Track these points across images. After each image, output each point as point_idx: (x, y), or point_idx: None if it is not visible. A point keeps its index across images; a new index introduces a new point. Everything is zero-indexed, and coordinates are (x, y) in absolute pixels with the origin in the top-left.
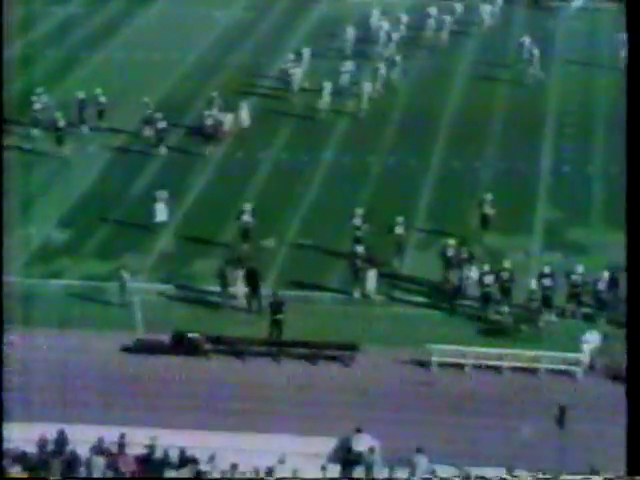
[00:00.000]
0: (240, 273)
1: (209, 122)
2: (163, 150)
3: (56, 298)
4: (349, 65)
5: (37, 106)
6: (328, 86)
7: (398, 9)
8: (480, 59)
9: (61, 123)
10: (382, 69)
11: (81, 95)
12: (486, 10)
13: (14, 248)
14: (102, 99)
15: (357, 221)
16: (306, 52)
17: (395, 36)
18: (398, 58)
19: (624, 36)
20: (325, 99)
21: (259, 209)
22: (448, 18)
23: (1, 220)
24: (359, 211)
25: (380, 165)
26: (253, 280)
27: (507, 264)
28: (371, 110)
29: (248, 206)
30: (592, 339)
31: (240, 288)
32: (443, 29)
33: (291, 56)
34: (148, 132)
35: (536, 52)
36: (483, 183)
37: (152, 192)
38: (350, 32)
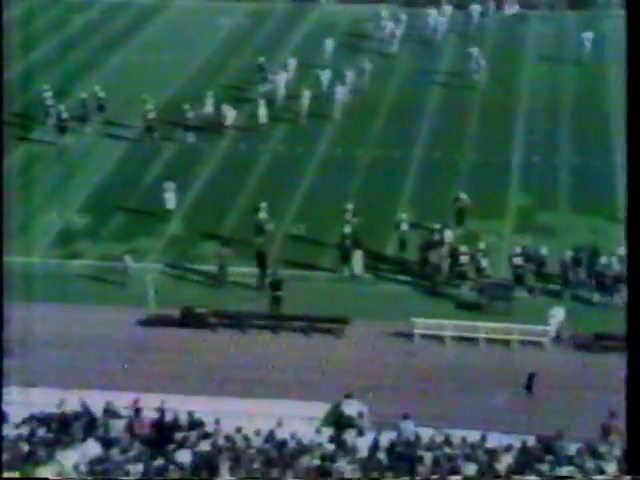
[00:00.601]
0: (231, 252)
1: (190, 115)
2: (156, 137)
3: (75, 277)
4: (327, 73)
5: (49, 102)
6: (307, 93)
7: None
8: (458, 60)
9: (64, 115)
10: (350, 76)
11: (84, 95)
12: (474, 11)
13: (38, 232)
14: (101, 94)
15: (348, 215)
16: (292, 61)
17: (398, 33)
18: (367, 66)
19: (587, 34)
20: (304, 107)
21: (259, 196)
22: (443, 19)
23: (1, 207)
24: (349, 206)
25: (368, 157)
26: (261, 262)
27: (482, 245)
28: (359, 107)
29: (264, 204)
30: (558, 313)
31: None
32: (437, 30)
33: (276, 65)
34: (143, 124)
35: (483, 62)
36: (461, 172)
37: (163, 181)
38: (329, 42)
